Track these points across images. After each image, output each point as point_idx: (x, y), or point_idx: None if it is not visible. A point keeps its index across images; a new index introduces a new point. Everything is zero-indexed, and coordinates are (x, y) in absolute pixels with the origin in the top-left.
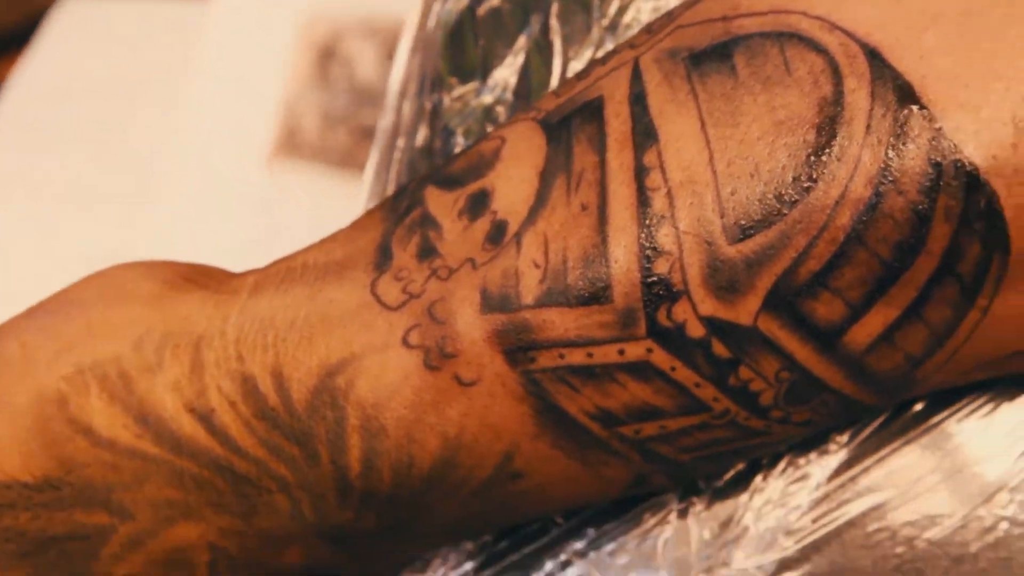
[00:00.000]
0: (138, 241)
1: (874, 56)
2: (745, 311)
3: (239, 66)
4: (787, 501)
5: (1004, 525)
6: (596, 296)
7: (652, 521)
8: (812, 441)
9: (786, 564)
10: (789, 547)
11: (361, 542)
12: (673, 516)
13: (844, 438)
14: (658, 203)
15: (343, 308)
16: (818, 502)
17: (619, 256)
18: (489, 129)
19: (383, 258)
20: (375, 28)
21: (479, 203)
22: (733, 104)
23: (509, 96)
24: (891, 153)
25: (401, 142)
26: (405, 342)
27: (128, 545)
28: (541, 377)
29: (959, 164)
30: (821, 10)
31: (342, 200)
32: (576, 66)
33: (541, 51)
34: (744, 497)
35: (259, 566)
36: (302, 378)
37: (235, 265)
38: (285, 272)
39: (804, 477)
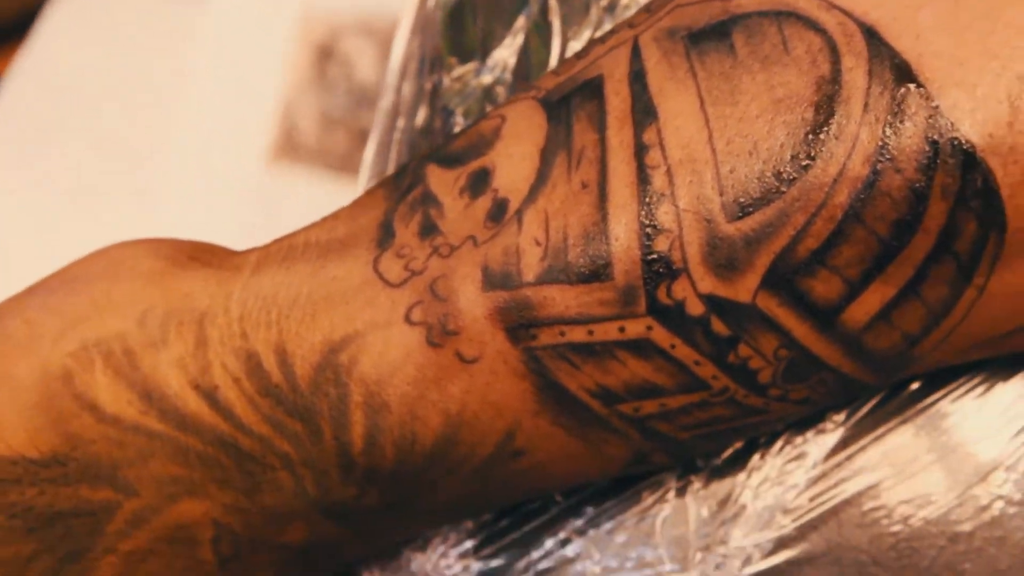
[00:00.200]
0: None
1: (871, 35)
2: (744, 289)
3: (236, 65)
4: (784, 480)
5: (999, 504)
6: (596, 274)
7: (651, 499)
8: (809, 420)
9: (783, 542)
10: (786, 525)
11: (364, 519)
12: (671, 494)
13: (840, 417)
14: (658, 181)
15: (346, 285)
16: (815, 481)
17: (619, 234)
18: (488, 109)
19: (385, 235)
20: (373, 28)
21: (480, 181)
22: (732, 83)
23: (508, 76)
24: (888, 131)
25: (401, 122)
26: (407, 319)
27: (133, 521)
28: (542, 354)
29: (956, 142)
30: None
31: (341, 200)
32: (575, 46)
33: (540, 31)
34: (742, 476)
35: (262, 543)
36: (305, 355)
37: None
38: (287, 250)
39: (801, 456)
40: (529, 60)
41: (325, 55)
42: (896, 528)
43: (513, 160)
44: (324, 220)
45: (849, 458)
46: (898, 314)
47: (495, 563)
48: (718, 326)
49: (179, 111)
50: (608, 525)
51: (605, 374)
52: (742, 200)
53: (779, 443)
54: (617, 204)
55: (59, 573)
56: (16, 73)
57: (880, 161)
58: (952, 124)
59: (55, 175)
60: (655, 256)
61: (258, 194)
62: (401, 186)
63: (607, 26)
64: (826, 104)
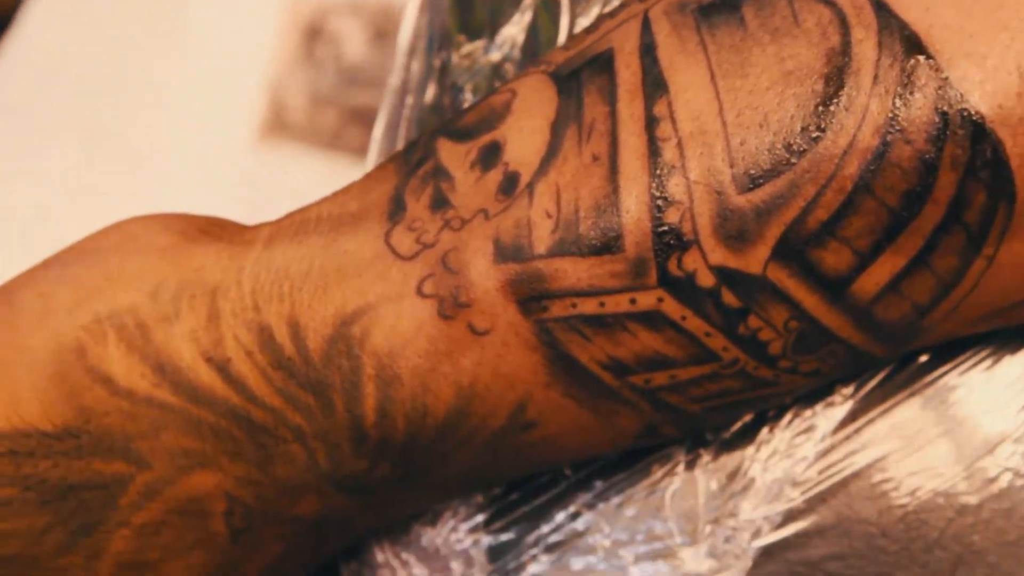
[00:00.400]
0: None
1: (881, 7)
2: (754, 260)
3: (225, 45)
4: (793, 452)
5: (1007, 476)
6: (608, 246)
7: (660, 473)
8: (818, 393)
9: (792, 515)
10: (795, 498)
11: (375, 492)
12: (681, 468)
13: (849, 390)
14: (669, 153)
15: (358, 258)
16: (824, 453)
17: (631, 206)
18: (498, 85)
19: (397, 209)
20: (362, 7)
21: (491, 154)
22: (742, 55)
23: (517, 53)
24: (898, 103)
25: (410, 99)
26: (419, 292)
27: (146, 494)
28: (553, 326)
29: (965, 113)
30: None
31: (331, 180)
32: (583, 23)
33: (548, 8)
34: (751, 449)
35: (274, 515)
36: (318, 327)
37: None
38: (299, 223)
39: (810, 429)
40: (538, 37)
41: (314, 34)
42: (904, 500)
43: (524, 133)
44: (336, 194)
45: (858, 431)
46: (908, 284)
47: (505, 537)
48: (729, 298)
49: (168, 91)
50: (618, 499)
51: (616, 346)
52: (753, 172)
53: (788, 416)
54: (628, 176)
55: (72, 546)
56: (3, 56)
57: (890, 132)
58: (962, 95)
59: (45, 158)
60: (666, 228)
61: (248, 172)
62: (412, 160)
63: (615, 2)
64: (836, 76)
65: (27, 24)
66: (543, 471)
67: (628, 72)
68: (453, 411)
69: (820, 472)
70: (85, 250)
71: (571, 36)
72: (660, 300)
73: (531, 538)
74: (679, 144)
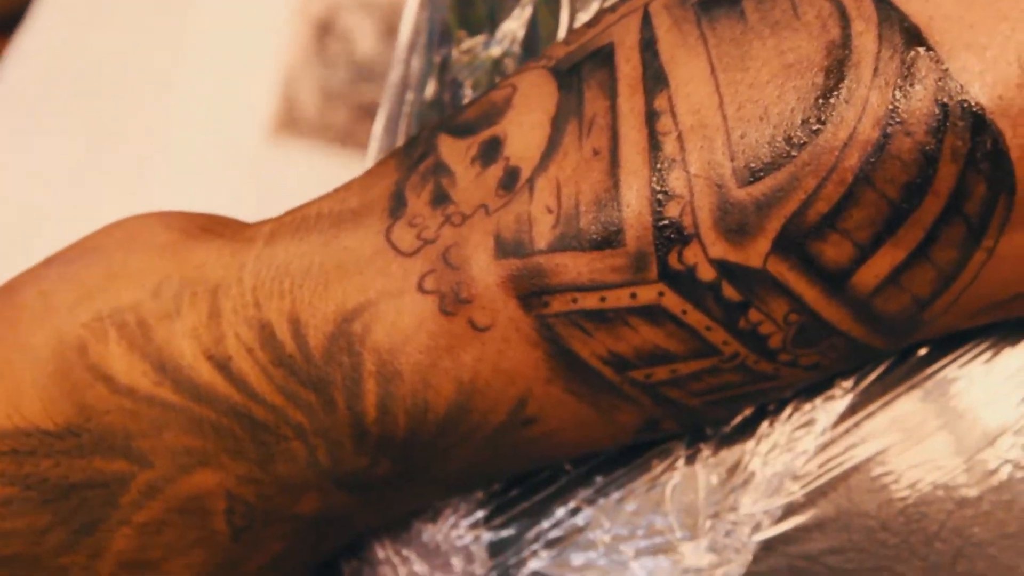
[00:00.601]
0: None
1: None
2: (755, 253)
3: (237, 41)
4: (793, 446)
5: (1007, 468)
6: (608, 240)
7: (660, 468)
8: (817, 387)
9: (793, 509)
10: (796, 492)
11: (376, 489)
12: (681, 462)
13: (849, 384)
14: (669, 147)
15: (358, 255)
16: (824, 447)
17: (631, 200)
18: (498, 81)
19: (397, 205)
20: (371, 3)
21: (492, 150)
22: (742, 48)
23: (517, 49)
24: (898, 94)
25: (410, 95)
26: (420, 287)
27: (147, 492)
28: (554, 322)
29: (965, 104)
30: None
31: (343, 176)
32: (583, 17)
33: (548, 3)
34: (751, 443)
35: (275, 513)
36: (318, 324)
37: None
38: (300, 220)
39: (810, 423)
40: (538, 32)
41: (325, 30)
42: (904, 493)
43: (524, 129)
44: (336, 191)
45: (857, 424)
46: (908, 277)
47: (505, 533)
48: (729, 291)
49: (180, 87)
50: (618, 494)
51: (617, 340)
52: (753, 165)
53: (788, 410)
54: (629, 170)
55: (74, 545)
56: (14, 51)
57: (890, 124)
58: (962, 87)
59: (55, 155)
60: (666, 222)
61: (259, 168)
62: (413, 156)
63: None
64: (836, 68)
65: (38, 20)
66: (543, 467)
67: (628, 66)
68: (454, 407)
69: (820, 466)
70: (86, 248)
71: (571, 31)
72: (661, 294)
73: (531, 534)
74: (679, 138)
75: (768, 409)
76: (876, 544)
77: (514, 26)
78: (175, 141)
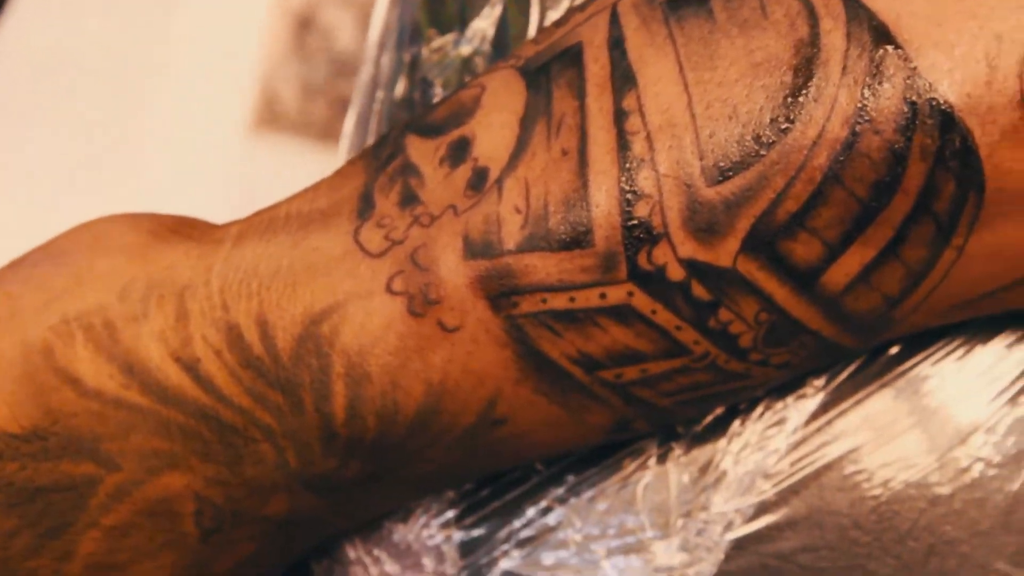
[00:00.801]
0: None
1: None
2: (724, 253)
3: (216, 37)
4: (765, 445)
5: (979, 466)
6: (577, 240)
7: (632, 467)
8: (789, 385)
9: (765, 507)
10: (767, 490)
11: (346, 491)
12: (652, 461)
13: (820, 382)
14: (638, 147)
15: (327, 256)
16: (795, 446)
17: (600, 200)
18: (467, 80)
19: (365, 206)
20: None
21: (460, 150)
22: (711, 47)
23: (487, 47)
24: (867, 93)
25: (380, 94)
26: (389, 289)
27: (115, 495)
28: (524, 322)
29: (934, 102)
30: None
31: (322, 171)
32: (553, 15)
33: (518, 1)
34: (722, 442)
35: (245, 516)
36: (287, 326)
37: None
38: (268, 222)
39: (781, 421)
40: (507, 30)
41: (304, 25)
42: (876, 492)
43: (493, 129)
44: (304, 192)
45: (829, 423)
46: (878, 276)
47: (477, 532)
48: (699, 291)
49: (159, 83)
50: (589, 493)
51: (587, 341)
52: (722, 164)
53: (759, 409)
54: (597, 170)
55: (41, 548)
56: None
57: (859, 123)
58: (930, 84)
59: (35, 151)
60: (635, 222)
61: (240, 164)
62: (381, 157)
63: None
64: (805, 67)
65: (15, 15)
66: (514, 467)
67: (597, 66)
68: (423, 408)
69: (792, 464)
70: (53, 250)
71: (541, 29)
72: (630, 294)
73: (503, 533)
74: (648, 137)
75: (740, 408)
76: (848, 542)
77: (484, 24)
78: (155, 136)
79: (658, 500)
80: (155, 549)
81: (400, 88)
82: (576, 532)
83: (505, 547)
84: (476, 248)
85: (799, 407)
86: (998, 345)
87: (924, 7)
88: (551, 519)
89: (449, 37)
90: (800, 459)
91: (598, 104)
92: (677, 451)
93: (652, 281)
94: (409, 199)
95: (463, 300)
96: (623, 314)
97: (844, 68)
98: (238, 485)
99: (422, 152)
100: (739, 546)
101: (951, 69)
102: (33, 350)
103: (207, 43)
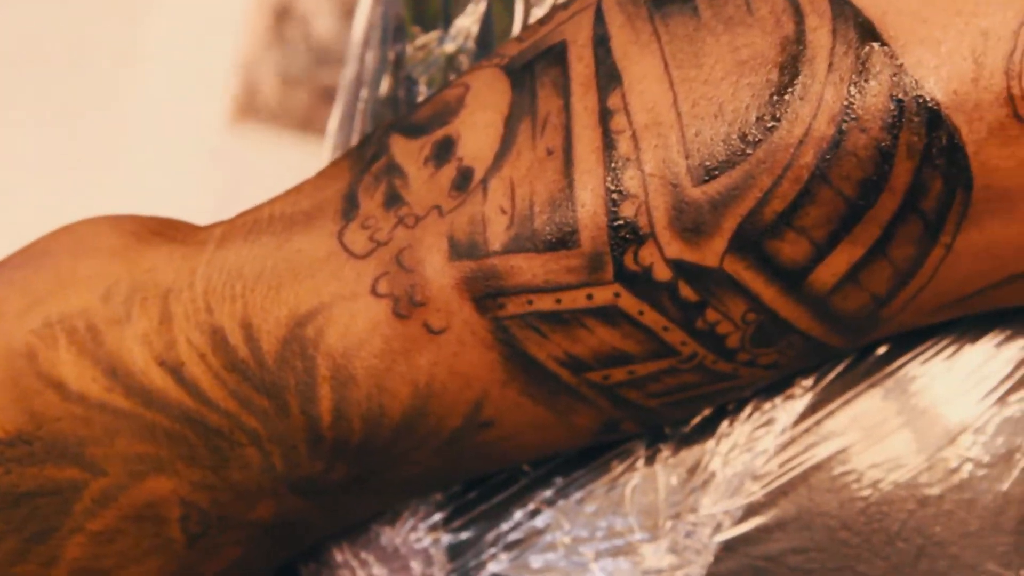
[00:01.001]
0: (97, 207)
1: None
2: (711, 253)
3: (195, 28)
4: (753, 446)
5: (968, 466)
6: (563, 241)
7: (620, 468)
8: (777, 386)
9: (753, 509)
10: (756, 492)
11: (332, 494)
12: (640, 463)
13: (809, 382)
14: (623, 146)
15: (311, 257)
16: (784, 446)
17: (586, 200)
18: (452, 78)
19: (350, 207)
20: None
21: (444, 150)
22: (696, 45)
23: (471, 44)
24: (853, 90)
25: (364, 93)
26: (374, 291)
27: (100, 500)
28: (510, 324)
29: (921, 100)
30: None
31: (304, 162)
32: (538, 13)
33: None
34: (711, 443)
35: (231, 520)
36: (271, 329)
37: None
38: (252, 223)
39: (770, 422)
40: (492, 28)
41: (283, 15)
42: (866, 492)
43: (477, 128)
44: (288, 193)
45: (818, 423)
46: (866, 275)
47: (464, 535)
48: (686, 291)
49: (137, 75)
50: (577, 495)
51: (573, 342)
52: (708, 163)
53: (748, 409)
54: (583, 170)
55: (26, 553)
56: None
57: (845, 121)
58: (917, 82)
59: (8, 148)
60: (622, 222)
61: (220, 155)
62: (365, 157)
63: None
64: (791, 65)
65: None
66: (502, 469)
67: (581, 64)
68: (410, 411)
69: (780, 465)
70: (34, 253)
71: (525, 27)
72: (617, 295)
73: (491, 536)
74: (634, 136)
75: (728, 408)
76: (837, 544)
77: (468, 22)
78: (134, 128)
79: (646, 502)
80: (141, 554)
81: (384, 86)
82: (564, 534)
83: (493, 550)
84: (461, 249)
85: (787, 407)
86: (987, 344)
87: (910, 4)
88: (539, 521)
89: (433, 35)
90: (789, 460)
91: (583, 103)
92: (665, 453)
93: (639, 282)
94: (394, 200)
95: (449, 302)
96: (610, 315)
97: (830, 66)
98: (224, 489)
99: (406, 152)
100: (728, 548)
101: (937, 66)
102: (16, 354)
103: (185, 34)
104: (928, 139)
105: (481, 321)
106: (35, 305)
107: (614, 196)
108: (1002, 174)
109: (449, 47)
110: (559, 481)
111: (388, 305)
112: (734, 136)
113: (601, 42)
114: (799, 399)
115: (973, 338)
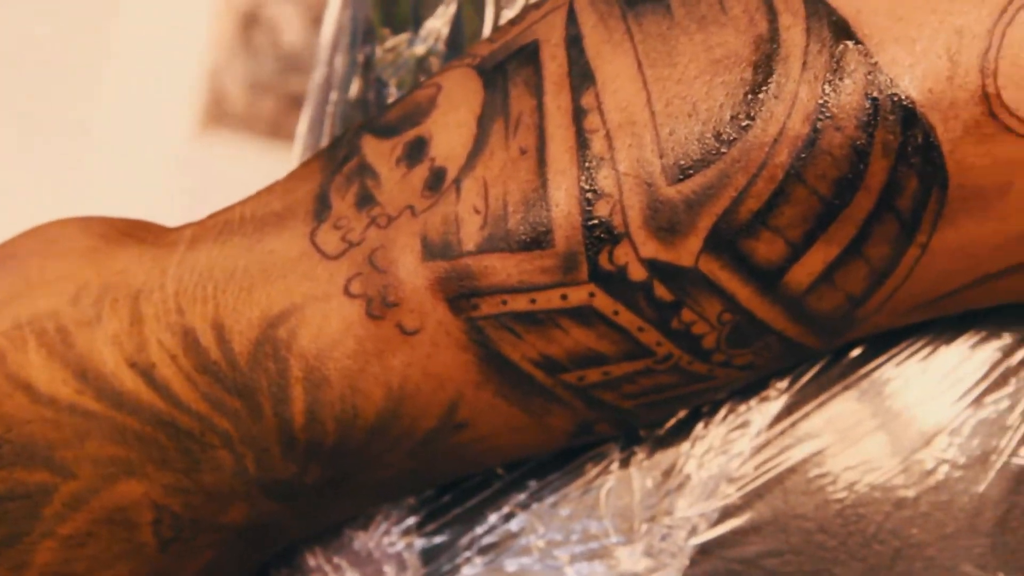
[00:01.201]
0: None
1: None
2: (686, 252)
3: (161, 35)
4: (728, 448)
5: (944, 468)
6: (537, 241)
7: (594, 471)
8: (752, 388)
9: (729, 511)
10: (731, 494)
11: (305, 497)
12: (615, 466)
13: (784, 384)
14: (597, 145)
15: (283, 258)
16: (759, 449)
17: (560, 199)
18: (422, 80)
19: (322, 207)
20: None
21: (417, 150)
22: (669, 44)
23: (441, 47)
24: (828, 89)
25: (334, 95)
26: (347, 291)
27: (71, 504)
28: (484, 324)
29: (896, 98)
30: None
31: (272, 169)
32: (508, 15)
33: (473, 0)
34: (686, 445)
35: (203, 524)
36: (243, 330)
37: None
38: (223, 224)
39: (745, 424)
40: (462, 30)
41: (251, 22)
42: (841, 495)
43: (449, 128)
44: (259, 193)
45: (793, 425)
46: (841, 275)
47: (438, 539)
48: (661, 291)
49: (105, 83)
50: (552, 498)
51: (548, 343)
52: (682, 162)
53: (722, 411)
54: (556, 170)
55: None
56: None
57: (820, 119)
58: (891, 80)
59: None
60: (596, 221)
61: (188, 162)
62: (337, 157)
63: None
64: (764, 63)
65: None
66: (476, 472)
67: (554, 64)
68: (383, 413)
69: (756, 468)
70: (4, 255)
71: (496, 28)
72: (592, 295)
73: (465, 540)
74: (607, 135)
75: (703, 411)
76: (814, 546)
77: (438, 24)
78: (102, 135)
79: (621, 505)
80: (112, 559)
81: (354, 89)
82: (539, 538)
83: (467, 554)
84: (435, 249)
85: (762, 409)
86: (962, 346)
87: (884, 2)
88: (513, 525)
89: (403, 36)
90: (764, 462)
91: (556, 102)
92: (640, 455)
93: (613, 281)
94: (366, 200)
95: (422, 302)
96: (585, 315)
97: (804, 64)
98: (196, 492)
99: (378, 152)
100: (704, 551)
101: (912, 64)
102: None
103: (152, 41)
104: (903, 137)
105: (455, 322)
106: (3, 307)
107: (588, 195)
108: (977, 172)
109: (419, 49)
110: (533, 484)
111: (361, 306)
112: (708, 135)
113: (574, 41)
114: (774, 401)
115: (948, 340)
